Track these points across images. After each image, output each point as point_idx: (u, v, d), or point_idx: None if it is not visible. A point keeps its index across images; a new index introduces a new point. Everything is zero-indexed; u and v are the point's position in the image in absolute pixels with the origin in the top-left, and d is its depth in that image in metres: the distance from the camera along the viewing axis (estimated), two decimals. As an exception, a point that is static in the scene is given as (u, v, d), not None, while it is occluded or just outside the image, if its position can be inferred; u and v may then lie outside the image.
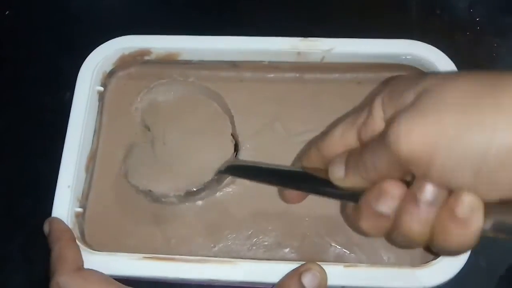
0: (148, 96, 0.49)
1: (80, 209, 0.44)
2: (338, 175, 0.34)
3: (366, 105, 0.34)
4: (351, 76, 0.48)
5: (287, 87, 0.48)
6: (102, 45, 0.48)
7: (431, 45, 0.46)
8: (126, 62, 0.49)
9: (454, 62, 0.46)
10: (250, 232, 0.44)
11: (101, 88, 0.48)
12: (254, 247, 0.43)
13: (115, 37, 0.48)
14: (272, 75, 0.49)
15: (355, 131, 0.35)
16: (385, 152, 0.30)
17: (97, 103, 0.47)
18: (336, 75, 0.48)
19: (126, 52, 0.48)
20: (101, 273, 0.39)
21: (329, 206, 0.44)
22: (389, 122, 0.30)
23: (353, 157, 0.33)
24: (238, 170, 0.43)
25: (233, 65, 0.48)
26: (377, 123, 0.33)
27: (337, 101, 0.47)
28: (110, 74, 0.49)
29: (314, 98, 0.48)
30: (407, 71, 0.47)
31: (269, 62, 0.48)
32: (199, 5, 0.58)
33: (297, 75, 0.49)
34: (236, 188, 0.46)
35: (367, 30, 0.48)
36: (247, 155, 0.46)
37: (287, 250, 0.43)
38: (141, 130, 0.48)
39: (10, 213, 0.49)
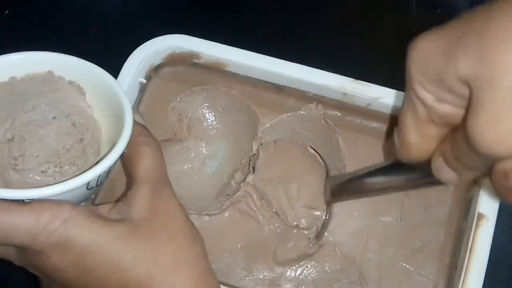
0: (187, 99, 0.49)
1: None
2: (449, 177, 0.31)
3: (408, 91, 0.31)
4: (392, 130, 0.46)
5: (325, 124, 0.47)
6: (155, 38, 0.48)
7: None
8: (174, 60, 0.48)
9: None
10: (246, 263, 0.43)
11: (144, 80, 0.48)
12: (247, 278, 0.43)
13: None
14: (314, 108, 0.47)
15: (429, 124, 0.31)
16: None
17: (136, 94, 0.48)
18: (376, 125, 0.46)
19: (177, 51, 0.48)
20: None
21: (331, 261, 0.43)
22: (464, 119, 0.27)
23: (450, 158, 0.30)
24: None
25: (278, 88, 0.47)
26: (439, 107, 0.29)
27: (371, 151, 0.46)
28: (157, 68, 0.49)
29: (350, 142, 0.47)
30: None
31: (314, 94, 0.47)
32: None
33: (339, 114, 0.47)
34: (236, 213, 0.46)
35: (367, 29, 0.46)
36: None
37: (279, 289, 0.43)
38: (171, 130, 0.48)
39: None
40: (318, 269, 0.43)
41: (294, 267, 0.43)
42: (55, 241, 0.31)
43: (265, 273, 0.43)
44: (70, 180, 0.32)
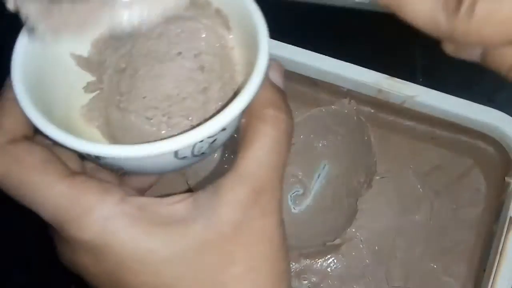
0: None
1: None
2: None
3: None
4: (425, 129, 0.46)
5: (357, 120, 0.47)
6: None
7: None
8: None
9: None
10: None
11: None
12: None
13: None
14: (347, 104, 0.47)
15: None
16: None
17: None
18: (410, 123, 0.46)
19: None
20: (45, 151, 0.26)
21: (358, 256, 0.43)
22: None
23: None
24: None
25: (312, 82, 0.47)
26: None
27: (403, 150, 0.46)
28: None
29: (382, 139, 0.46)
30: (487, 142, 0.45)
31: (348, 89, 0.47)
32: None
33: (372, 111, 0.47)
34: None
35: (366, 28, 0.46)
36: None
37: (305, 282, 0.42)
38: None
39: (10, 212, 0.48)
40: (345, 263, 0.43)
41: (320, 261, 0.43)
42: (88, 241, 0.24)
43: (291, 265, 0.43)
44: (147, 145, 0.23)
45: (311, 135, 0.48)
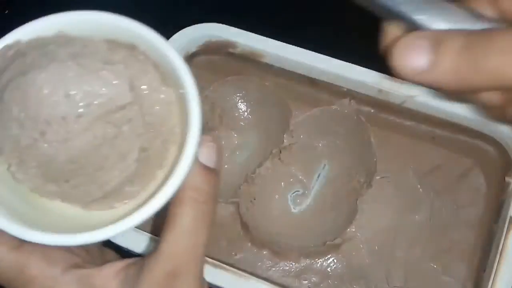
0: (221, 88, 0.49)
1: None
2: None
3: None
4: (425, 129, 0.46)
5: (357, 120, 0.47)
6: (191, 26, 0.48)
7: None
8: (210, 48, 0.49)
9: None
10: (273, 253, 0.43)
11: (179, 68, 0.48)
12: (273, 268, 0.43)
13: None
14: (347, 104, 0.47)
15: None
16: None
17: (171, 81, 0.48)
18: (410, 123, 0.46)
19: (213, 39, 0.48)
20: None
21: (358, 256, 0.43)
22: None
23: None
24: None
25: (312, 82, 0.47)
26: None
27: (403, 150, 0.46)
28: (192, 56, 0.49)
29: (382, 139, 0.46)
30: (487, 142, 0.45)
31: (348, 89, 0.47)
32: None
33: (372, 111, 0.47)
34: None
35: (367, 29, 0.46)
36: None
37: (305, 282, 0.42)
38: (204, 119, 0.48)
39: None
40: (345, 263, 0.43)
41: (320, 260, 0.43)
42: None
43: (291, 265, 0.43)
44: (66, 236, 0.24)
45: (311, 135, 0.48)
